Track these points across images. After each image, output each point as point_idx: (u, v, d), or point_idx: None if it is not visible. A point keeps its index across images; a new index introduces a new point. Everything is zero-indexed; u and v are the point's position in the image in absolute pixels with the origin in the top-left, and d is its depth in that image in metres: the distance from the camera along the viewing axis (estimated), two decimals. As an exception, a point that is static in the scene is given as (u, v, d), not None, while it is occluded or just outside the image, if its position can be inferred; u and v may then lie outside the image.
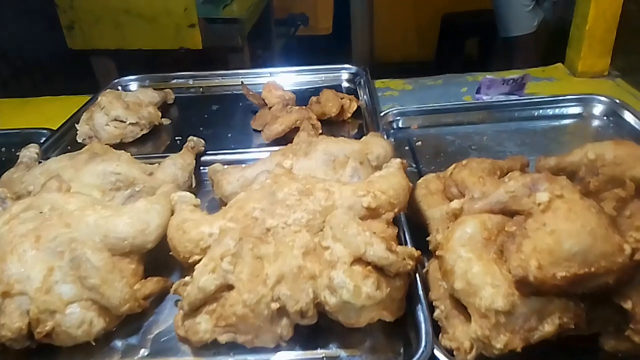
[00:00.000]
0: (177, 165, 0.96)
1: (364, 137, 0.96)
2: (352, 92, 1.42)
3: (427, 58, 3.52)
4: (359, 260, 0.65)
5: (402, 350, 0.69)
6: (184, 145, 1.07)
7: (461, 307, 0.65)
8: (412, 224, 0.82)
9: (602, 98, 1.24)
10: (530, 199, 0.66)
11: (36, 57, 2.22)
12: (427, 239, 0.77)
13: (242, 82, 1.39)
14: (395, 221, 0.76)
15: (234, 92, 1.47)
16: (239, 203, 0.75)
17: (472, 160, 0.82)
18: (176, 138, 1.25)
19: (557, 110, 1.26)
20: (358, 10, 3.39)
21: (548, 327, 0.60)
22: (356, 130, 1.25)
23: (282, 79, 1.47)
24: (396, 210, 0.74)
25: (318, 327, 0.68)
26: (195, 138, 1.09)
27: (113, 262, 0.70)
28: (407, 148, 1.16)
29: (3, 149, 1.27)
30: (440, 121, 1.25)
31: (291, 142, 0.96)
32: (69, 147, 1.21)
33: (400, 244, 0.74)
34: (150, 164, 0.99)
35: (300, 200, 0.72)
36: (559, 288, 0.59)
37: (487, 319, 0.60)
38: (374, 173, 0.82)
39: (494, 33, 2.29)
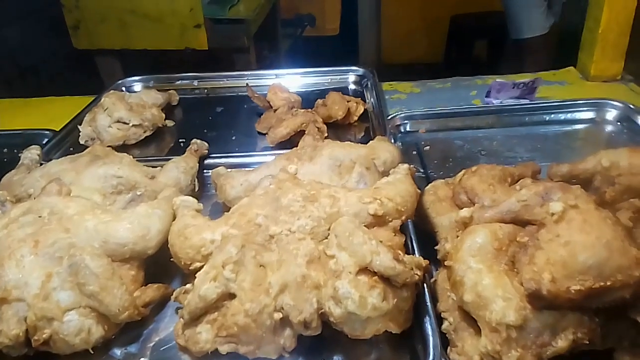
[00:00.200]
0: (179, 168, 0.94)
1: (370, 142, 0.94)
2: (359, 94, 1.40)
3: (435, 60, 3.50)
4: (364, 269, 0.63)
5: (408, 364, 0.67)
6: (187, 148, 1.05)
7: (471, 319, 0.63)
8: (419, 232, 0.80)
9: (616, 103, 1.22)
10: (543, 209, 0.64)
11: (41, 57, 2.22)
12: (436, 247, 0.75)
13: (247, 84, 1.37)
14: (403, 229, 0.74)
15: (239, 93, 1.45)
16: (241, 209, 0.73)
17: (482, 167, 0.80)
18: (180, 140, 1.24)
19: (569, 115, 1.23)
20: (365, 11, 3.38)
21: (561, 343, 0.58)
22: (363, 134, 1.23)
23: (288, 81, 1.46)
24: (403, 217, 0.72)
25: (322, 338, 0.66)
26: (198, 141, 1.08)
27: (112, 269, 0.69)
28: (414, 153, 1.14)
29: (5, 150, 1.26)
30: (449, 125, 1.23)
31: (296, 146, 0.94)
32: (71, 149, 1.20)
33: (407, 252, 0.72)
34: (153, 166, 0.97)
35: (305, 207, 0.70)
36: (573, 302, 0.57)
37: (498, 333, 0.59)
38: (380, 179, 0.80)
39: (503, 35, 2.27)
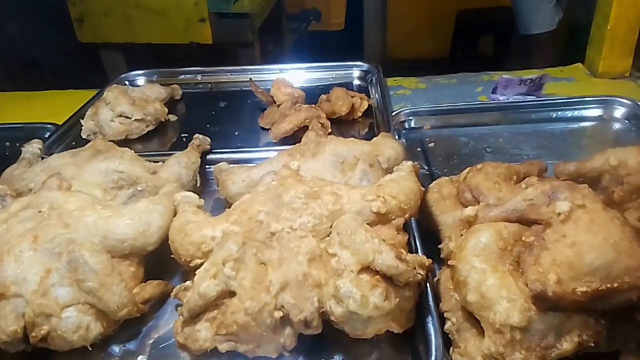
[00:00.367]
0: (181, 163, 0.93)
1: (374, 138, 0.93)
2: (364, 90, 1.39)
3: (441, 55, 3.47)
4: (366, 268, 0.62)
5: (410, 364, 0.66)
6: (189, 143, 1.04)
7: (474, 320, 0.62)
8: (423, 230, 0.79)
9: (624, 100, 1.20)
10: (550, 208, 0.63)
11: (45, 50, 2.21)
12: (439, 246, 0.74)
13: (250, 78, 1.36)
14: (406, 227, 0.73)
15: (243, 88, 1.44)
16: (243, 205, 0.72)
17: (487, 165, 0.79)
18: (182, 135, 1.23)
19: (576, 112, 1.21)
20: (371, 5, 3.35)
21: (566, 345, 0.57)
22: (367, 130, 1.22)
23: (292, 76, 1.44)
24: (407, 216, 0.71)
25: (323, 337, 0.65)
26: (200, 136, 1.07)
27: (112, 265, 0.68)
28: (419, 149, 1.13)
29: (7, 144, 1.25)
30: (454, 122, 1.22)
31: (299, 142, 0.93)
32: (73, 143, 1.19)
33: (410, 251, 0.71)
34: (155, 161, 0.96)
35: (307, 204, 0.69)
36: (578, 304, 0.56)
37: (502, 334, 0.58)
38: (384, 176, 0.79)
39: (509, 30, 2.24)
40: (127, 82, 1.49)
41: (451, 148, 1.13)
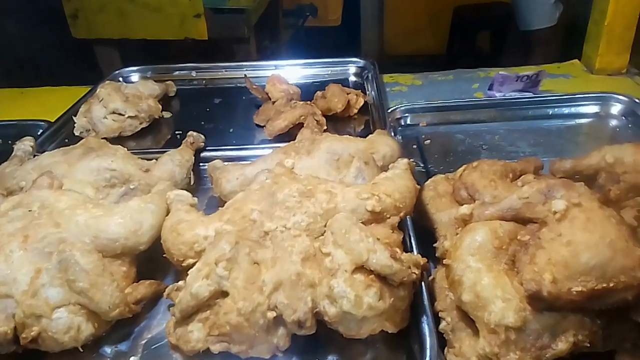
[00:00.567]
0: (174, 161, 0.92)
1: (369, 136, 0.92)
2: (360, 86, 1.38)
3: (438, 51, 3.46)
4: (361, 268, 0.61)
5: (405, 364, 0.65)
6: (183, 141, 1.03)
7: (469, 319, 0.62)
8: (418, 228, 0.78)
9: (621, 97, 1.20)
10: (545, 207, 0.62)
11: (39, 47, 2.19)
12: (434, 245, 0.73)
13: (245, 75, 1.35)
14: (401, 225, 0.73)
15: (238, 84, 1.43)
16: (236, 204, 0.72)
17: (483, 162, 0.79)
18: (176, 132, 1.22)
19: (573, 109, 1.21)
20: (368, 1, 3.34)
21: (562, 345, 0.57)
22: (363, 127, 1.21)
23: (287, 72, 1.43)
24: (402, 214, 0.71)
25: (316, 337, 0.65)
26: (194, 133, 1.06)
27: (103, 265, 0.67)
28: (415, 146, 1.12)
29: (-1, 141, 1.24)
30: (451, 119, 1.21)
31: (295, 139, 0.92)
32: (66, 140, 1.18)
33: (406, 249, 0.71)
34: (148, 159, 0.95)
35: (301, 202, 0.68)
36: (574, 304, 0.56)
37: (497, 334, 0.57)
38: (379, 174, 0.78)
39: (507, 26, 2.23)
40: (121, 79, 1.47)
41: (447, 145, 1.12)
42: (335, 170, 0.83)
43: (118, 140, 1.15)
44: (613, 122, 1.18)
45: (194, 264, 0.66)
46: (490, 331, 0.57)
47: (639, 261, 0.55)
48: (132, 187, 0.85)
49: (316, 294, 0.62)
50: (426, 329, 0.64)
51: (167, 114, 1.29)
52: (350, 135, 0.91)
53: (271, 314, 0.61)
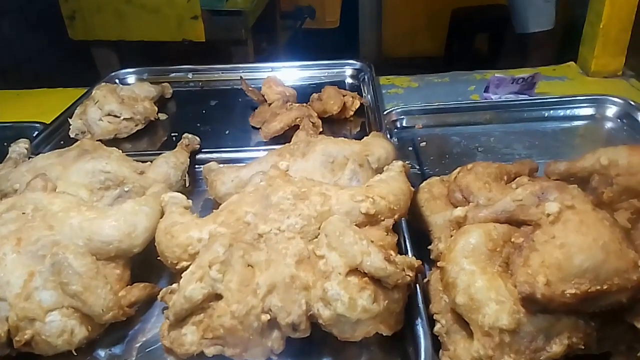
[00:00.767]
0: (169, 163, 0.92)
1: (365, 138, 0.92)
2: (356, 88, 1.38)
3: (436, 53, 3.46)
4: (355, 270, 0.61)
5: (399, 366, 0.65)
6: (178, 143, 1.03)
7: (463, 322, 0.62)
8: (413, 230, 0.78)
9: (616, 99, 1.20)
10: (539, 209, 0.62)
11: (36, 48, 2.19)
12: (429, 247, 0.73)
13: (241, 77, 1.35)
14: (396, 227, 0.73)
15: (234, 86, 1.43)
16: (231, 206, 0.71)
17: (478, 164, 0.79)
18: (172, 134, 1.22)
19: (568, 112, 1.21)
20: (366, 3, 3.34)
21: (556, 348, 0.57)
22: (358, 129, 1.21)
23: (284, 74, 1.43)
24: (396, 216, 0.71)
25: (311, 340, 0.64)
26: (190, 135, 1.06)
27: (97, 268, 0.67)
28: (410, 148, 1.12)
29: (-6, 143, 1.24)
30: (446, 121, 1.21)
31: (290, 141, 0.92)
32: (61, 142, 1.18)
33: (400, 252, 0.70)
34: (144, 161, 0.95)
35: (295, 205, 0.68)
36: (568, 306, 0.56)
37: (491, 337, 0.57)
38: (374, 176, 0.78)
39: (504, 29, 2.23)
40: (117, 80, 1.47)
41: (443, 147, 1.12)
42: (330, 172, 0.83)
43: (114, 142, 1.15)
44: (608, 125, 1.18)
45: (187, 267, 0.66)
46: (485, 334, 0.57)
47: (632, 263, 0.55)
48: (126, 189, 0.85)
49: (310, 296, 0.61)
50: (421, 331, 0.64)
51: (163, 116, 1.29)
52: (346, 137, 0.92)
53: (265, 317, 0.61)
